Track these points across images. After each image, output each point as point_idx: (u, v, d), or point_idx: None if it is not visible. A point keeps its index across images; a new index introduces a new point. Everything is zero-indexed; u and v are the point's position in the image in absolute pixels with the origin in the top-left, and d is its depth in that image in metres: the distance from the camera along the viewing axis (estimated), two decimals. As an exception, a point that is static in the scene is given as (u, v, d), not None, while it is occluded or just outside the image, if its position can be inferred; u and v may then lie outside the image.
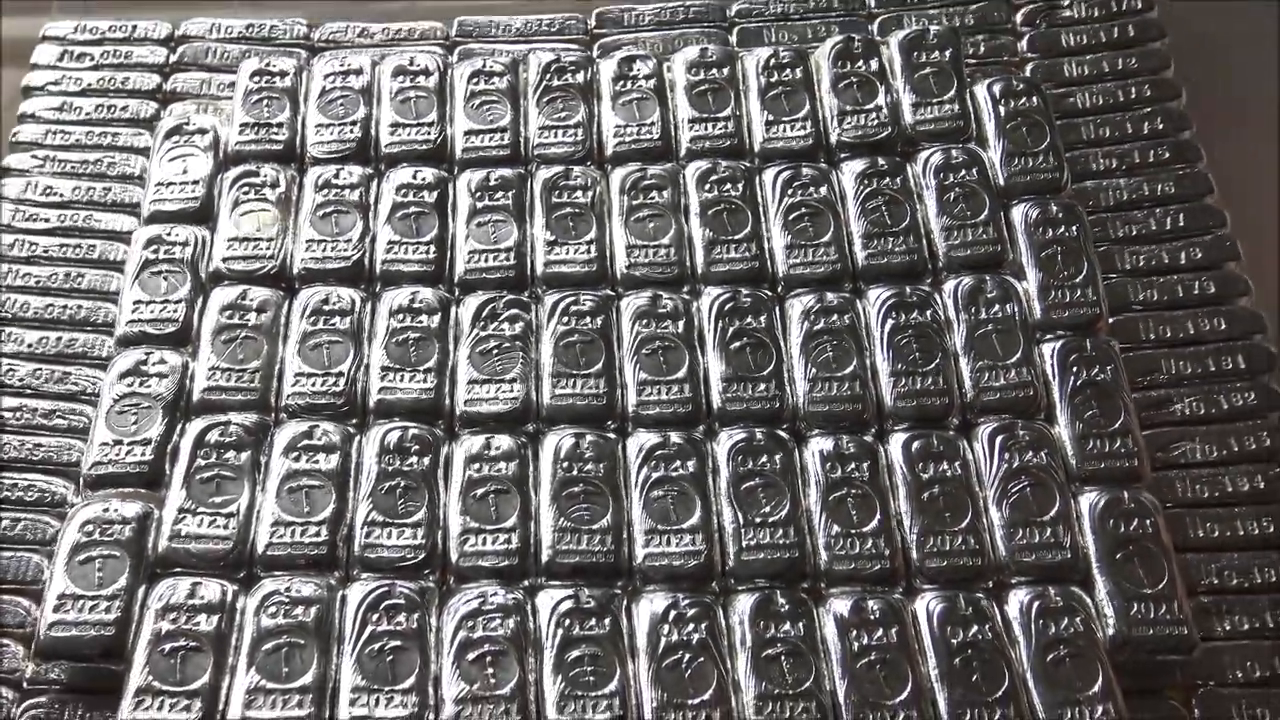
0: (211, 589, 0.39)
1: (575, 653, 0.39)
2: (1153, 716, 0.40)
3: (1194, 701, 0.41)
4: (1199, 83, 0.53)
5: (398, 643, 0.39)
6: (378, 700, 0.38)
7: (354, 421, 0.44)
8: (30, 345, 0.46)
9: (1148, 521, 0.42)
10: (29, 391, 0.45)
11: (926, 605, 0.40)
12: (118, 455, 0.42)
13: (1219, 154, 0.51)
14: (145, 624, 0.39)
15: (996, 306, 0.46)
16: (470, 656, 0.38)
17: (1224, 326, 0.47)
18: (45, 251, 0.49)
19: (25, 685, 0.39)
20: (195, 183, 0.49)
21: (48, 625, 0.39)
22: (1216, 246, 0.49)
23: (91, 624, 0.39)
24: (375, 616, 0.39)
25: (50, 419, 0.44)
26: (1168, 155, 0.51)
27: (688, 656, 0.39)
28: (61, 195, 0.50)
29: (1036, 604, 0.40)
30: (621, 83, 0.52)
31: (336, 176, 0.49)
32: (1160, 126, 0.52)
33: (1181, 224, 0.49)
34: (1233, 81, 0.55)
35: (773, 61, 0.52)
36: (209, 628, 0.39)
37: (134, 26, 0.55)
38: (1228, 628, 0.42)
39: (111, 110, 0.53)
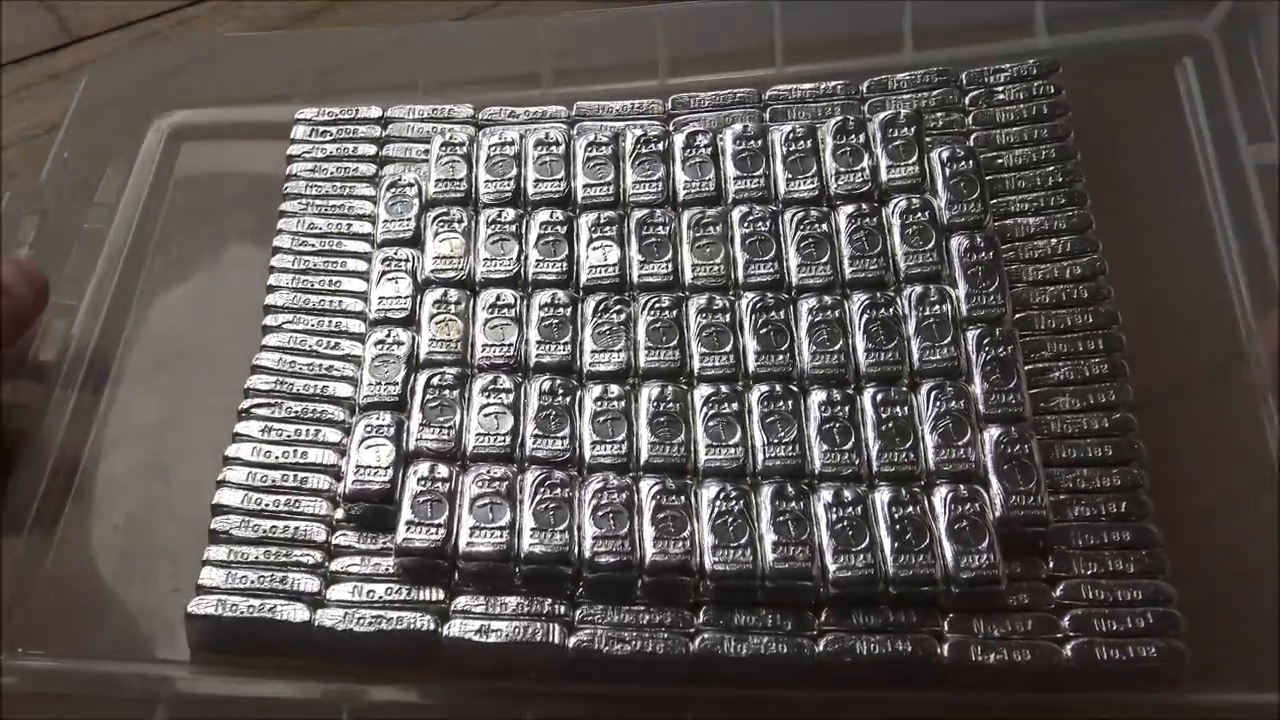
0: (443, 469, 0.63)
1: (663, 515, 0.61)
2: (1023, 566, 0.57)
3: (1050, 558, 0.57)
4: (1095, 146, 0.72)
5: (556, 505, 0.61)
6: (545, 537, 0.61)
7: (519, 375, 0.67)
8: (312, 325, 0.70)
9: (1025, 447, 0.58)
10: (315, 354, 0.69)
11: (880, 494, 0.60)
12: (378, 392, 0.66)
13: (1104, 199, 0.70)
14: (407, 486, 0.62)
15: (937, 306, 0.63)
16: (599, 514, 0.61)
17: (1090, 320, 0.62)
18: (314, 266, 0.72)
19: (334, 524, 0.63)
20: (409, 220, 0.73)
21: (351, 482, 0.63)
22: (1090, 265, 0.66)
23: (376, 482, 0.63)
24: (541, 490, 0.62)
25: (329, 371, 0.68)
26: (1063, 200, 0.68)
27: (731, 519, 0.60)
28: (320, 229, 0.73)
29: (950, 494, 0.57)
30: (688, 150, 0.73)
31: (499, 216, 0.72)
32: (1060, 180, 0.69)
33: (1068, 249, 0.65)
34: (1120, 145, 0.75)
35: (791, 135, 0.72)
36: (444, 490, 0.62)
37: (356, 110, 0.78)
38: (1076, 514, 0.58)
39: (346, 170, 0.73)
